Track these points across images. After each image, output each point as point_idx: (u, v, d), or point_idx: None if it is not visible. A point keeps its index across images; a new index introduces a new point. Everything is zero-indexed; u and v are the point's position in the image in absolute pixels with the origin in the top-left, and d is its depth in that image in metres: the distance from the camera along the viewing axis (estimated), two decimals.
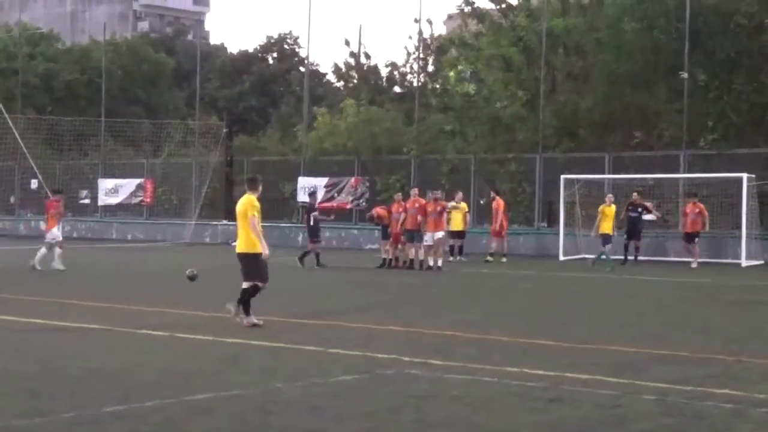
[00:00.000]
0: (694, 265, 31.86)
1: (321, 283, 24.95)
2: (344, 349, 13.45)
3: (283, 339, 14.37)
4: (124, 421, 9.13)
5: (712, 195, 34.53)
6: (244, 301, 15.77)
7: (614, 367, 12.19)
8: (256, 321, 15.67)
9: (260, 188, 16.72)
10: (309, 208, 32.10)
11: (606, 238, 30.97)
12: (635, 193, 34.32)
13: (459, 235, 33.85)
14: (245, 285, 15.91)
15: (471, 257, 33.67)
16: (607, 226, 31.17)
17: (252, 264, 16.01)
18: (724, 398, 10.31)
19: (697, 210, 33.00)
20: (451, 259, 32.94)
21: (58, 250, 28.10)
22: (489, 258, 33.69)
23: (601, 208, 31.67)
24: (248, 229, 16.00)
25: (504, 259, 33.59)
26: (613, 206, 31.82)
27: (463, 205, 34.25)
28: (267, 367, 12.10)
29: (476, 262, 32.60)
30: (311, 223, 30.95)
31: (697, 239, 32.77)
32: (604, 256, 30.63)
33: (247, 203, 16.16)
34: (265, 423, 9.17)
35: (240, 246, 16.13)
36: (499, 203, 34.68)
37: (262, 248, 15.99)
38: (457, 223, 33.62)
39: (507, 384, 11.05)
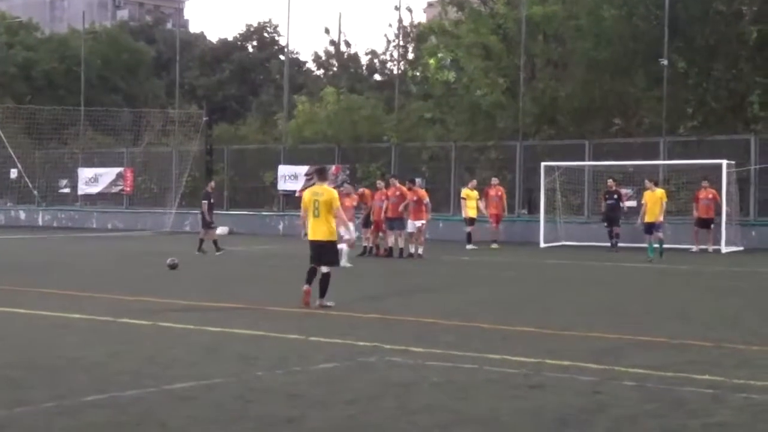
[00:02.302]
0: (710, 250, 32.23)
1: (301, 272, 24.94)
2: (325, 337, 13.46)
3: (264, 327, 14.37)
4: (104, 411, 9.12)
5: (691, 182, 34.65)
6: (325, 285, 16.63)
7: (595, 353, 12.24)
8: (327, 303, 16.62)
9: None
10: (202, 196, 32.12)
11: (650, 226, 28.87)
12: (610, 180, 34.43)
13: (473, 222, 34.12)
14: (325, 270, 16.70)
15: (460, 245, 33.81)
16: (652, 214, 28.74)
17: (331, 252, 16.87)
18: (703, 384, 10.37)
19: (710, 195, 33.10)
20: (470, 246, 33.16)
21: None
22: (494, 245, 33.99)
23: (645, 193, 29.60)
24: (329, 217, 16.69)
25: (495, 246, 33.96)
26: (658, 190, 29.28)
27: (476, 192, 34.50)
28: (247, 355, 12.09)
29: (481, 250, 32.72)
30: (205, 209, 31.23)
31: (713, 225, 32.93)
32: (656, 245, 28.86)
33: (332, 194, 16.92)
34: (246, 411, 9.17)
35: (317, 234, 16.75)
36: (499, 190, 35.01)
37: (349, 234, 17.37)
38: (473, 210, 33.94)
39: (488, 371, 11.07)
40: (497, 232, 35.02)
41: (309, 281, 16.76)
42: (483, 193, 35.03)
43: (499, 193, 35.27)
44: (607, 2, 40.92)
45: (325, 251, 16.78)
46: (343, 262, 25.70)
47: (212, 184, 33.59)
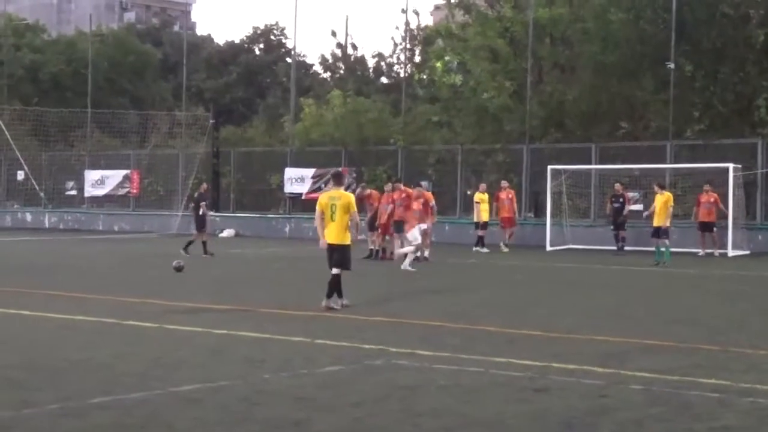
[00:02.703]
0: (716, 254, 32.11)
1: (307, 275, 24.97)
2: (331, 339, 13.45)
3: (270, 330, 14.37)
4: (109, 412, 9.13)
5: (698, 185, 34.58)
6: (337, 286, 17.00)
7: (600, 357, 12.22)
8: (335, 305, 16.90)
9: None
10: (198, 198, 32.11)
11: (656, 230, 28.29)
12: (617, 184, 34.40)
13: (485, 225, 34.10)
14: (335, 272, 16.99)
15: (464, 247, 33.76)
16: (659, 218, 28.12)
17: (344, 254, 17.16)
18: (709, 388, 10.35)
19: (711, 199, 33.02)
20: (484, 250, 33.16)
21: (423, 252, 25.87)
22: (504, 248, 34.00)
23: (656, 196, 28.78)
24: (345, 221, 17.07)
25: (505, 249, 33.88)
26: (665, 193, 28.46)
27: (486, 195, 34.52)
28: (253, 357, 12.10)
29: (487, 253, 32.74)
30: (200, 212, 31.21)
31: (715, 228, 32.85)
32: (663, 249, 28.08)
33: (349, 198, 17.40)
34: (252, 414, 9.17)
35: (331, 237, 17.10)
36: (510, 192, 34.95)
37: (360, 235, 17.82)
38: (486, 213, 33.94)
39: (494, 374, 11.07)
40: (510, 234, 34.91)
41: (339, 293, 17.16)
42: (494, 197, 35.03)
43: (510, 196, 35.21)
44: (614, 5, 40.88)
45: (338, 254, 17.07)
46: (405, 264, 25.55)
47: (205, 185, 33.73)
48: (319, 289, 16.95)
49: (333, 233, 17.05)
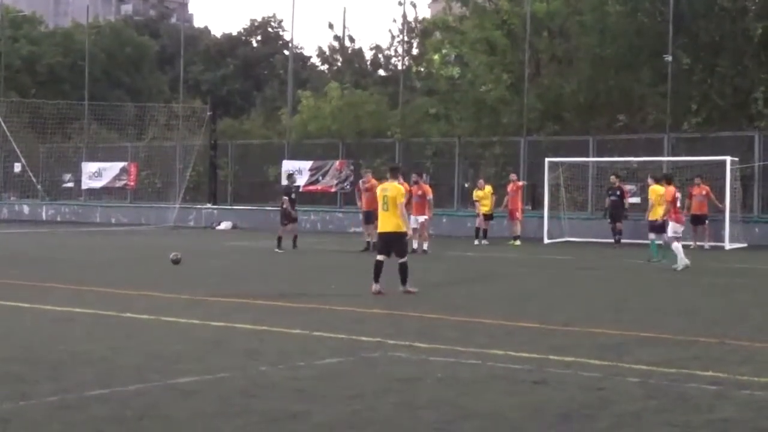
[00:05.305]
0: (707, 247, 32.09)
1: (305, 267, 24.96)
2: (329, 332, 13.45)
3: (268, 322, 14.37)
4: (107, 405, 9.12)
5: (695, 178, 34.59)
6: (404, 273, 18.10)
7: (598, 349, 12.23)
8: (411, 289, 18.10)
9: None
10: (283, 191, 31.64)
11: (650, 224, 26.82)
12: (613, 176, 34.34)
13: (487, 218, 34.09)
14: (401, 260, 18.13)
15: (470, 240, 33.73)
16: (653, 212, 26.35)
17: (402, 243, 18.46)
18: (707, 380, 10.35)
19: (703, 192, 33.04)
20: (476, 242, 33.21)
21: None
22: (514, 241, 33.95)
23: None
24: (396, 212, 18.25)
25: (517, 242, 33.76)
26: (657, 187, 26.19)
27: (488, 188, 34.47)
28: (251, 350, 12.09)
29: (485, 246, 32.74)
30: (283, 206, 30.73)
31: (707, 221, 32.87)
32: (658, 242, 26.77)
33: (399, 191, 18.55)
34: (249, 406, 9.16)
35: (386, 226, 18.36)
36: (517, 185, 34.75)
37: (407, 228, 18.73)
38: (486, 206, 33.93)
39: (492, 366, 11.07)
40: (518, 227, 34.68)
41: (377, 278, 18.04)
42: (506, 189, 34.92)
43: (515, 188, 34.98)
44: None
45: (394, 242, 18.31)
46: (680, 261, 24.05)
47: (293, 178, 32.82)
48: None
49: (386, 223, 18.33)
